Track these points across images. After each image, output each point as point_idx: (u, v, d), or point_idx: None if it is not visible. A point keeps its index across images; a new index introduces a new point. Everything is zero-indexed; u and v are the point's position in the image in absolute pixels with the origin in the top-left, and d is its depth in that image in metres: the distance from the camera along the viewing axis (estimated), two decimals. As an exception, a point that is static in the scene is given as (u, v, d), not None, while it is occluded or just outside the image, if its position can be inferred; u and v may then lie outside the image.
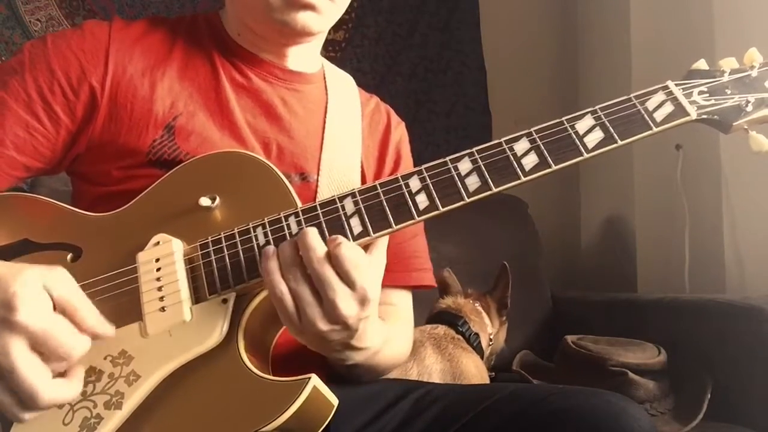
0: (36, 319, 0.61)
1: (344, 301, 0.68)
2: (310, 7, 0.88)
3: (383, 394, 0.88)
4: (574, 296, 2.06)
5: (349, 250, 0.68)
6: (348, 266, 0.67)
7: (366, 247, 0.73)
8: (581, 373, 1.43)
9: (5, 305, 0.61)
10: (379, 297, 0.71)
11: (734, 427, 1.36)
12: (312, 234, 0.69)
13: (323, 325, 0.68)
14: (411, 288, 1.03)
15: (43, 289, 0.64)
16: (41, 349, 0.62)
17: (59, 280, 0.66)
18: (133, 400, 0.68)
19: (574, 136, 0.76)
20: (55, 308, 0.64)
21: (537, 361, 1.70)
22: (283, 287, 0.68)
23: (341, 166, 0.96)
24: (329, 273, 0.67)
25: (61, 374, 0.65)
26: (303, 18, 0.89)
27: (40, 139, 0.86)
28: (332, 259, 0.68)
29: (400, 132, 1.09)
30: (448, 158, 0.76)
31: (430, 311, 1.56)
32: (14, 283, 0.62)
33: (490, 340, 1.55)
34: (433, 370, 1.34)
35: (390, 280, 0.99)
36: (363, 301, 0.69)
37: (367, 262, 0.70)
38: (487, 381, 1.44)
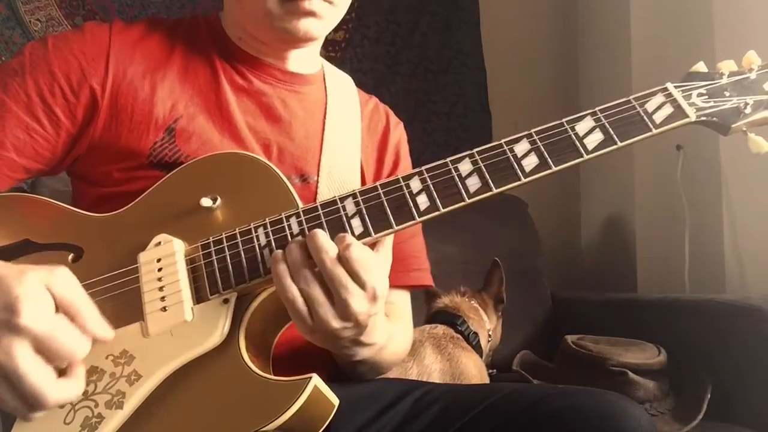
0: (39, 322, 0.61)
1: (356, 299, 0.69)
2: (312, 14, 0.88)
3: (383, 393, 0.88)
4: (574, 296, 2.06)
5: (358, 250, 0.69)
6: (358, 267, 0.69)
7: (373, 245, 0.74)
8: (581, 373, 1.43)
9: (9, 308, 0.61)
10: (386, 293, 0.73)
11: (734, 427, 1.36)
12: (322, 236, 0.70)
13: (336, 323, 0.70)
14: (410, 288, 1.03)
15: (45, 291, 0.64)
16: (44, 351, 0.62)
17: (61, 280, 0.66)
18: (135, 399, 0.69)
19: (574, 138, 0.76)
20: (57, 309, 0.64)
21: (537, 361, 1.70)
22: (294, 290, 0.69)
23: (341, 167, 0.97)
24: (342, 274, 0.69)
25: (63, 372, 0.65)
26: (305, 25, 0.89)
27: (40, 141, 0.86)
28: (343, 260, 0.69)
29: (399, 132, 1.09)
30: (448, 159, 0.77)
31: (428, 311, 1.57)
32: (17, 285, 0.62)
33: (489, 336, 1.55)
34: (432, 369, 1.35)
35: (390, 281, 0.99)
36: (373, 299, 0.70)
37: (375, 262, 0.71)
38: (487, 380, 1.45)
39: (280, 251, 0.71)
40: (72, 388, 0.65)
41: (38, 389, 0.61)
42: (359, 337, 0.74)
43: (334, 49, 2.24)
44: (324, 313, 0.69)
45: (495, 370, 1.59)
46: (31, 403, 0.62)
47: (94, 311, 0.67)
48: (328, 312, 0.69)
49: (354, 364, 0.85)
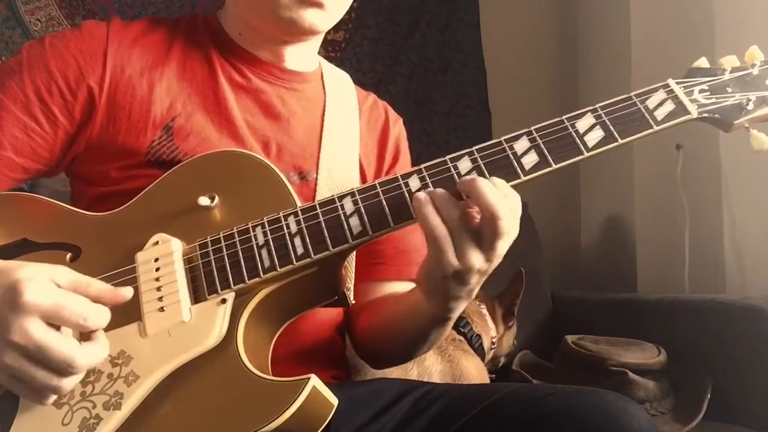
0: (43, 296, 0.62)
1: (504, 242, 0.71)
2: (317, 5, 0.88)
3: (383, 393, 0.88)
4: (574, 296, 2.05)
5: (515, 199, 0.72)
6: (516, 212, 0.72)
7: None
8: (581, 373, 1.43)
9: (11, 290, 0.62)
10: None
11: (734, 427, 1.35)
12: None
13: (478, 261, 0.71)
14: (415, 281, 1.03)
15: (47, 278, 0.64)
16: (56, 322, 0.63)
17: (63, 272, 0.66)
18: (133, 400, 0.68)
19: (575, 135, 0.76)
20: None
21: (537, 361, 1.70)
22: (442, 226, 0.70)
23: (340, 165, 0.97)
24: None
25: (86, 340, 0.66)
26: (310, 16, 0.89)
27: (38, 141, 0.86)
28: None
29: (398, 128, 1.09)
30: (448, 157, 0.76)
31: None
32: (18, 271, 0.63)
33: (493, 343, 1.55)
34: (433, 370, 1.34)
35: (395, 274, 1.00)
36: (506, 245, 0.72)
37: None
38: (488, 383, 1.44)
39: (422, 193, 0.72)
40: (98, 350, 0.65)
41: (66, 354, 0.62)
42: (478, 286, 0.76)
43: (334, 49, 2.24)
44: (472, 253, 0.70)
45: (495, 376, 1.58)
46: (63, 369, 0.62)
47: (98, 282, 0.68)
48: (476, 252, 0.70)
49: (421, 339, 0.89)
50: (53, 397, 0.65)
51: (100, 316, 0.65)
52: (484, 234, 0.70)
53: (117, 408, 0.68)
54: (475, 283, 0.74)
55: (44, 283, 0.63)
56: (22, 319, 0.61)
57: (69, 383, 0.64)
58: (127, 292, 0.69)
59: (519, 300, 1.60)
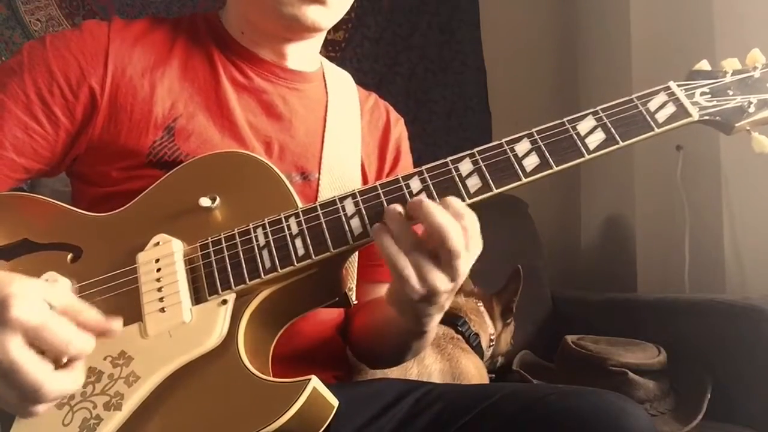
0: (30, 315, 0.60)
1: (464, 261, 0.71)
2: (319, 1, 0.88)
3: (383, 394, 0.88)
4: (574, 296, 2.05)
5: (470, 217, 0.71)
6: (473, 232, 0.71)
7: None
8: (581, 373, 1.43)
9: (0, 304, 0.60)
10: None
11: (734, 427, 1.36)
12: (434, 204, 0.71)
13: (443, 285, 0.70)
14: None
15: (39, 295, 0.63)
16: (37, 343, 0.61)
17: (58, 292, 0.65)
18: (133, 401, 0.68)
19: (576, 137, 0.76)
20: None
21: (537, 361, 1.70)
22: (403, 259, 0.70)
23: (342, 165, 0.97)
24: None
25: (63, 367, 0.64)
26: (313, 12, 0.89)
27: (39, 141, 0.86)
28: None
29: (399, 128, 1.09)
30: (448, 159, 0.76)
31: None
32: (11, 284, 0.62)
33: (491, 341, 1.55)
34: (432, 370, 1.34)
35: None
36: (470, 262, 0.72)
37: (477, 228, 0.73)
38: (487, 381, 1.44)
39: (379, 224, 0.72)
40: (70, 379, 0.63)
41: (35, 380, 0.60)
42: (448, 302, 0.76)
43: (334, 49, 2.24)
44: (434, 277, 0.69)
45: (494, 376, 1.58)
46: (30, 396, 0.61)
47: (95, 312, 0.66)
48: (438, 275, 0.69)
49: (403, 349, 0.89)
50: (32, 414, 0.63)
51: (83, 344, 0.63)
52: (440, 256, 0.69)
53: (117, 408, 0.68)
54: (444, 300, 0.74)
55: (34, 301, 0.62)
56: (3, 334, 0.60)
57: (38, 411, 0.62)
58: (116, 326, 0.66)
59: (517, 297, 1.60)
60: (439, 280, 0.70)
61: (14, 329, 0.60)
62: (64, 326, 0.62)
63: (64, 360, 0.63)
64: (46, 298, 0.63)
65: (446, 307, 0.77)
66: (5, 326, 0.60)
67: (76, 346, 0.62)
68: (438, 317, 0.79)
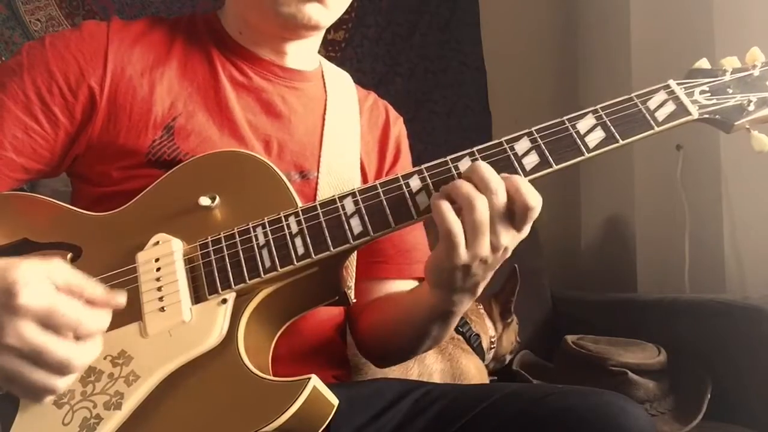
0: (38, 299, 0.62)
1: (514, 236, 0.73)
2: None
3: (383, 393, 0.88)
4: (574, 296, 2.05)
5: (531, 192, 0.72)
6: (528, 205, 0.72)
7: None
8: (581, 373, 1.43)
9: (6, 292, 0.61)
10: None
11: (734, 427, 1.36)
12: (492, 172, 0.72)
13: (487, 253, 0.72)
14: (416, 279, 1.03)
15: (44, 277, 0.63)
16: (50, 326, 0.62)
17: (59, 269, 0.65)
18: (133, 400, 0.68)
19: (575, 136, 0.76)
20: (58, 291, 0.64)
21: (537, 361, 1.70)
22: (456, 221, 0.71)
23: (341, 163, 0.97)
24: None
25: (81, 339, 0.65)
26: (311, 10, 0.89)
27: (38, 141, 0.86)
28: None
29: (399, 127, 1.09)
30: (448, 158, 0.76)
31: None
32: (14, 271, 0.62)
33: (492, 342, 1.55)
34: (433, 370, 1.34)
35: (395, 273, 1.00)
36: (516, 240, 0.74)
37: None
38: (487, 382, 1.44)
39: (438, 193, 0.73)
40: (94, 348, 0.65)
41: (63, 356, 0.62)
42: (483, 282, 0.77)
43: (334, 49, 2.24)
44: (481, 243, 0.71)
45: (497, 377, 1.58)
46: (61, 369, 0.62)
47: (96, 286, 0.67)
48: (484, 242, 0.71)
49: (423, 334, 0.89)
50: (50, 397, 0.65)
51: (95, 321, 0.64)
52: (516, 213, 0.71)
53: (117, 408, 0.68)
54: (481, 275, 0.75)
55: (40, 284, 0.63)
56: (16, 322, 0.61)
57: (65, 382, 0.64)
58: (121, 299, 0.68)
59: (514, 297, 1.60)
60: (488, 246, 0.71)
61: (25, 316, 0.61)
62: (72, 306, 0.63)
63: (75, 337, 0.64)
64: (49, 277, 0.63)
65: (480, 287, 0.78)
66: (16, 314, 0.61)
67: (87, 324, 0.64)
68: (468, 301, 0.80)
